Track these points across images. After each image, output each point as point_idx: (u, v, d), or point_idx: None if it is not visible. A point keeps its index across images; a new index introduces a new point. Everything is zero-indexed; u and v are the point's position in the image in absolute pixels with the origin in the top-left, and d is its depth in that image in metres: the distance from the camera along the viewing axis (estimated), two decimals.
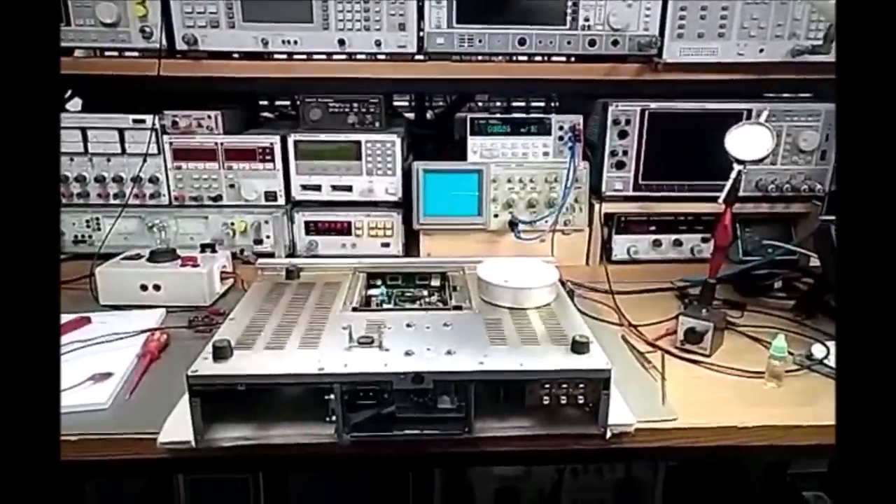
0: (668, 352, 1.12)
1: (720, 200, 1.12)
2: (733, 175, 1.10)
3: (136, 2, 1.31)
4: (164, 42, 1.33)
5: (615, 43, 1.37)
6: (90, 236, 1.46)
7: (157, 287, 1.28)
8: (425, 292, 1.23)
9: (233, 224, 1.45)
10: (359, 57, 1.39)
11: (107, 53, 1.40)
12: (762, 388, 1.02)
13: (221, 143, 1.43)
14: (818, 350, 1.08)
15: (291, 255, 1.48)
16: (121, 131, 1.40)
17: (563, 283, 1.17)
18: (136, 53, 1.36)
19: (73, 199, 1.44)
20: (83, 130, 1.40)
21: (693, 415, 0.93)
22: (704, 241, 1.49)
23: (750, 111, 1.38)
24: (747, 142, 1.10)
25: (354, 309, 1.07)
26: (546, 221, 1.45)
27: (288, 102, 1.91)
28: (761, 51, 1.37)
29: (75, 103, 1.63)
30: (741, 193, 1.16)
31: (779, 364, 1.01)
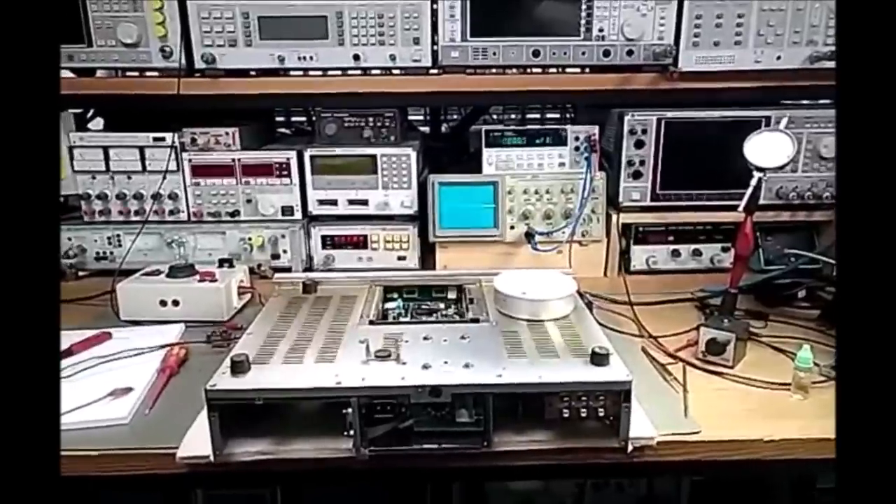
0: (689, 363, 1.11)
1: (740, 209, 1.10)
2: (753, 183, 1.09)
3: (156, 22, 1.34)
4: (183, 61, 1.35)
5: (630, 53, 1.36)
6: (111, 253, 1.48)
7: (175, 302, 1.29)
8: (442, 305, 1.22)
9: (250, 239, 1.46)
10: (374, 72, 1.41)
11: (128, 73, 1.43)
12: (788, 399, 1.00)
13: (239, 159, 1.45)
14: None
15: (308, 269, 1.49)
16: (141, 149, 1.43)
17: (581, 295, 1.16)
18: (156, 73, 1.39)
19: (94, 217, 1.47)
20: (105, 149, 1.43)
21: (717, 428, 0.91)
22: (724, 250, 1.47)
23: (768, 118, 1.36)
24: (767, 149, 1.08)
25: (371, 322, 1.06)
26: (563, 232, 1.44)
27: (304, 118, 1.93)
28: (779, 58, 1.35)
29: (97, 122, 1.66)
30: (761, 202, 1.14)
31: (804, 375, 0.99)
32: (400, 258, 1.49)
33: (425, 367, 0.87)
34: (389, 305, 1.21)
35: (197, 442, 0.84)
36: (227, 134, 1.45)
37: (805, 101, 1.55)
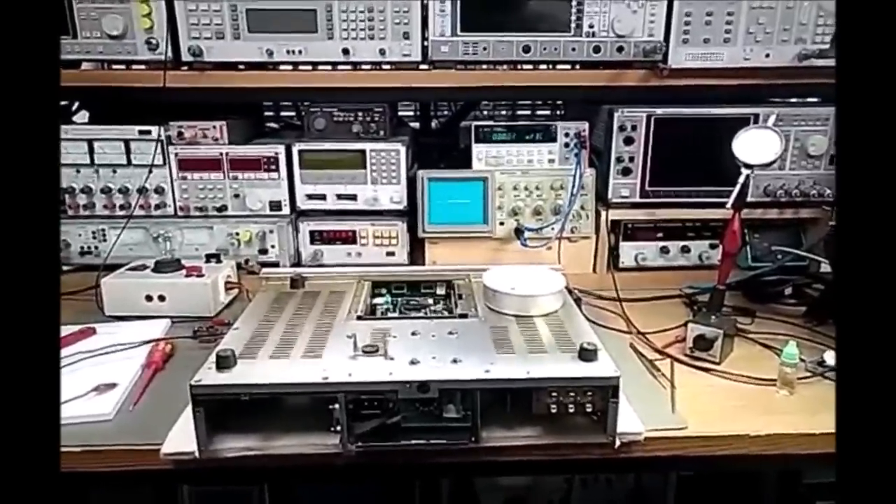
0: (677, 359, 1.11)
1: (728, 206, 1.10)
2: (741, 180, 1.09)
3: (141, 14, 1.32)
4: (169, 53, 1.33)
5: (620, 49, 1.36)
6: (96, 247, 1.46)
7: (161, 298, 1.27)
8: (430, 301, 1.22)
9: (238, 234, 1.45)
10: (363, 66, 1.39)
11: (114, 66, 1.41)
12: (774, 395, 1.00)
13: (226, 154, 1.43)
14: (830, 357, 1.06)
15: (296, 264, 1.48)
16: (126, 143, 1.41)
17: (569, 291, 1.16)
18: (142, 66, 1.37)
19: (79, 211, 1.45)
20: (89, 142, 1.41)
21: (703, 423, 0.91)
22: (713, 247, 1.47)
23: (757, 116, 1.36)
24: (755, 146, 1.09)
25: (359, 318, 1.06)
26: (552, 229, 1.44)
27: (293, 112, 1.91)
28: (768, 55, 1.36)
29: (82, 115, 1.64)
30: (749, 199, 1.15)
31: (790, 371, 1.00)
32: (389, 254, 1.48)
33: (413, 362, 0.86)
34: (378, 301, 1.21)
35: (182, 438, 0.84)
36: (214, 128, 1.43)
37: (793, 99, 1.56)
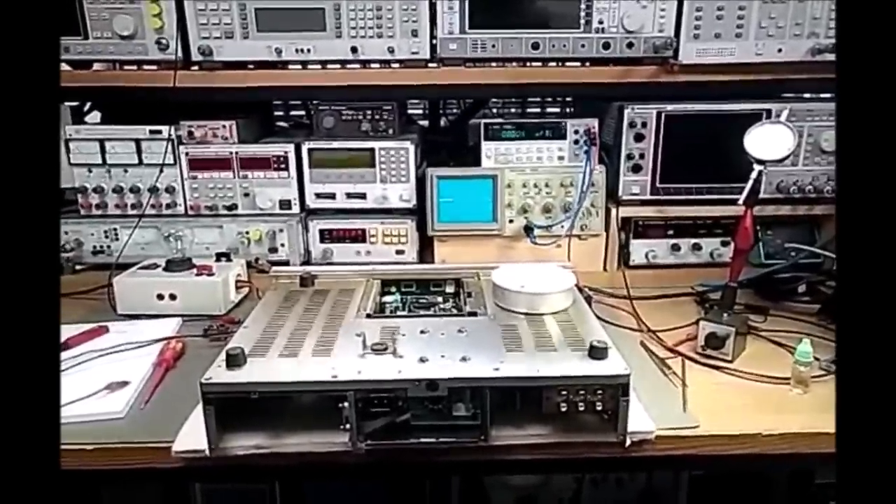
0: (688, 357, 1.10)
1: (740, 202, 1.09)
2: (753, 176, 1.08)
3: (152, 14, 1.33)
4: (179, 53, 1.34)
5: (630, 45, 1.35)
6: (108, 247, 1.47)
7: (172, 296, 1.28)
8: (440, 299, 1.22)
9: (248, 233, 1.46)
10: (372, 64, 1.39)
11: (125, 66, 1.42)
12: (787, 394, 0.99)
13: (236, 153, 1.44)
14: None
15: (306, 262, 1.48)
16: (138, 142, 1.42)
17: (580, 289, 1.15)
18: (153, 66, 1.38)
19: (91, 210, 1.46)
20: (101, 142, 1.42)
21: (715, 422, 0.91)
22: (724, 244, 1.46)
23: (769, 111, 1.35)
24: (767, 141, 1.08)
25: (368, 316, 1.06)
26: (562, 226, 1.44)
27: (302, 111, 1.92)
28: (780, 50, 1.34)
29: (94, 115, 1.66)
30: (762, 195, 1.13)
31: (804, 370, 0.98)
32: (398, 252, 1.48)
33: (422, 360, 0.86)
34: (387, 299, 1.21)
35: (192, 436, 0.84)
36: (224, 127, 1.44)
37: (806, 94, 1.54)
